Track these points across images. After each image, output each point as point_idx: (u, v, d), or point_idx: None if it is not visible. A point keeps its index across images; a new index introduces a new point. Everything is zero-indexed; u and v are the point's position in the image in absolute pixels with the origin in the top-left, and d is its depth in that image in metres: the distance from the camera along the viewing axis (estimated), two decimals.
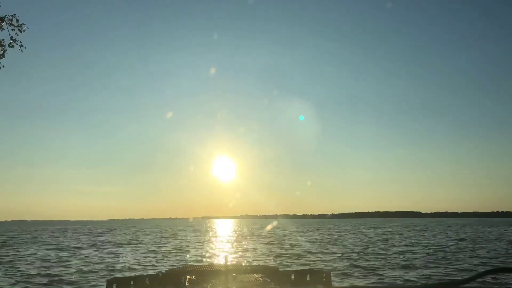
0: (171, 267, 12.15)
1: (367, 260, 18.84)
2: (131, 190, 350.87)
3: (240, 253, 24.55)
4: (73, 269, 16.71)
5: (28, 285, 13.37)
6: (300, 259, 19.70)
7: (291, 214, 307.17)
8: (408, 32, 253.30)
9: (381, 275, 14.65)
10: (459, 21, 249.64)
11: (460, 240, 33.65)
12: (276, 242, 32.65)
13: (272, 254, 22.65)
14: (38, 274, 15.45)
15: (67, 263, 19.00)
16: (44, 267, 17.71)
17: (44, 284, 13.54)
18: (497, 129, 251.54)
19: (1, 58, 8.55)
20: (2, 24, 8.34)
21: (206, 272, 5.32)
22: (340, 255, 21.43)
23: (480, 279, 1.38)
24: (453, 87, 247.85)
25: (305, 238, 37.81)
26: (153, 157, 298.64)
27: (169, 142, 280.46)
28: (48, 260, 20.29)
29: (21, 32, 8.60)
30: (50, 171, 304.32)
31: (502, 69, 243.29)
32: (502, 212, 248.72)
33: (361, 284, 12.87)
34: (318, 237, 39.19)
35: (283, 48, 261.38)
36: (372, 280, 13.61)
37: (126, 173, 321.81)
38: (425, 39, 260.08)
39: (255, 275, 5.29)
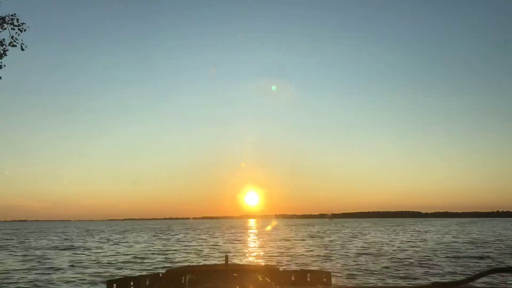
0: (171, 267, 12.15)
1: None
2: (129, 191, 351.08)
3: None
4: None
5: None
6: None
7: (291, 214, 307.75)
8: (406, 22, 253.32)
9: None
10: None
11: None
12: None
13: None
14: None
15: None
16: None
17: None
18: (499, 128, 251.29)
19: (2, 57, 8.58)
20: (4, 25, 8.39)
21: (206, 272, 5.32)
22: None
23: (480, 279, 1.37)
24: (452, 86, 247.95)
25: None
26: (151, 156, 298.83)
27: (168, 141, 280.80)
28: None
29: (21, 31, 8.63)
30: (50, 171, 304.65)
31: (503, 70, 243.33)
32: (503, 212, 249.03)
33: (361, 284, 12.87)
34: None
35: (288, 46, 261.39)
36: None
37: (123, 173, 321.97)
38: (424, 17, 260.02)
39: (256, 275, 5.29)
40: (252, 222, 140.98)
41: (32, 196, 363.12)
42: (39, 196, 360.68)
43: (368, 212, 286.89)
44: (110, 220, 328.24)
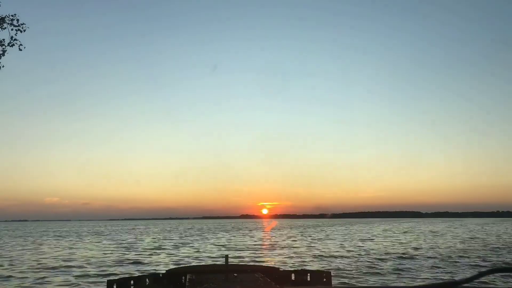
0: (171, 267, 12.13)
1: None
2: (128, 191, 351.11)
3: None
4: None
5: None
6: None
7: (291, 214, 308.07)
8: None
9: None
10: None
11: None
12: None
13: None
14: None
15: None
16: None
17: None
18: (499, 127, 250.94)
19: (1, 57, 8.57)
20: (4, 25, 8.39)
21: (206, 272, 5.32)
22: None
23: (480, 279, 1.37)
24: (453, 85, 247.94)
25: None
26: (149, 155, 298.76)
27: (166, 138, 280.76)
28: None
29: (21, 32, 8.63)
30: (49, 171, 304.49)
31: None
32: (503, 212, 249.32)
33: (361, 284, 12.86)
34: None
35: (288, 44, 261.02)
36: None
37: (122, 173, 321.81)
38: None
39: (256, 275, 5.28)
40: (267, 223, 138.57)
41: (34, 196, 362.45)
42: (40, 196, 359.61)
43: (368, 212, 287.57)
44: (109, 220, 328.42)
